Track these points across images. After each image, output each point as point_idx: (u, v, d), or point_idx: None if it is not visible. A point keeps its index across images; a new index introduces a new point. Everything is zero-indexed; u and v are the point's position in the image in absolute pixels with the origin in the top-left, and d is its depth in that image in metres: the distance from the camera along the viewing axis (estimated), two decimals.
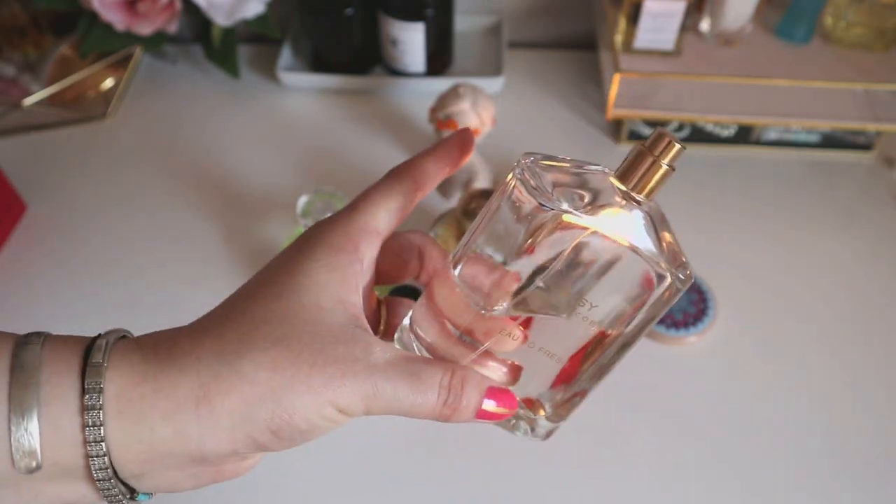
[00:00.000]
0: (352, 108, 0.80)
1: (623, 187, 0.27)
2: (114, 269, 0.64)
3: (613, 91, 0.68)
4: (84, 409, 0.23)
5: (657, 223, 0.28)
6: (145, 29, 0.73)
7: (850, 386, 0.56)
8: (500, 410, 0.27)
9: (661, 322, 0.58)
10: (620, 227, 0.27)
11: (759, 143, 0.75)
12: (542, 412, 0.30)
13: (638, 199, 0.28)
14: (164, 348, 0.25)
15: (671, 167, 0.27)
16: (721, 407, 0.55)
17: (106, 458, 0.23)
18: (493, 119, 0.65)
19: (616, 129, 0.76)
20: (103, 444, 0.23)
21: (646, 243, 0.27)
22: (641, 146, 0.27)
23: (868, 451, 0.52)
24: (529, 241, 0.27)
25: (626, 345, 0.29)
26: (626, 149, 0.75)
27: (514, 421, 0.30)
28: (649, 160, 0.27)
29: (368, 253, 0.28)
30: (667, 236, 0.29)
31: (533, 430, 0.30)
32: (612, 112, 0.70)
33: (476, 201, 0.53)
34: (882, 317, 0.61)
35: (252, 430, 0.24)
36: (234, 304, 0.27)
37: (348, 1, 0.75)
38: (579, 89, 0.82)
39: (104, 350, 0.24)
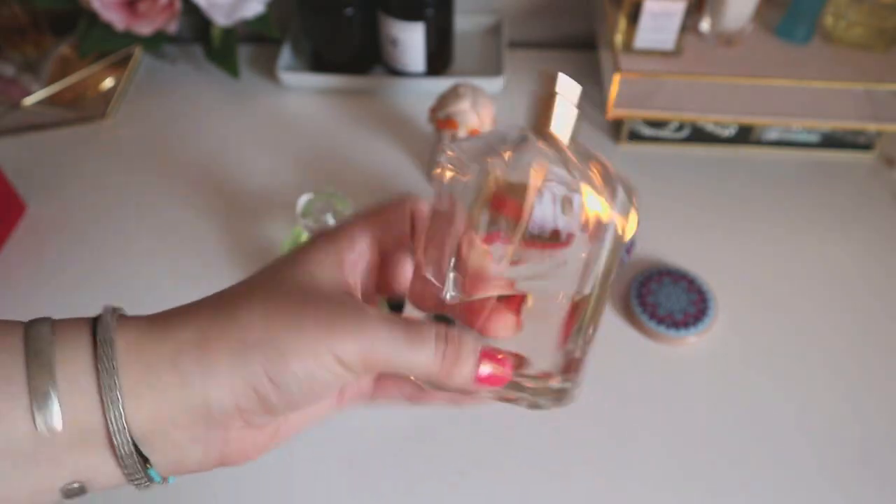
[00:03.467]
0: (352, 108, 0.80)
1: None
2: (114, 268, 0.64)
3: (613, 91, 0.68)
4: (97, 359, 0.24)
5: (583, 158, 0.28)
6: (145, 29, 0.73)
7: (850, 385, 0.56)
8: (498, 370, 0.27)
9: (662, 322, 0.58)
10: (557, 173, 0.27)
11: (759, 143, 0.75)
12: (554, 380, 0.29)
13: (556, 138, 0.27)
14: (164, 313, 0.26)
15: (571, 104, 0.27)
16: (721, 407, 0.55)
17: (120, 406, 0.24)
18: (493, 119, 0.65)
19: (616, 128, 0.76)
20: (118, 392, 0.24)
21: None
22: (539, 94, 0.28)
23: (868, 451, 0.52)
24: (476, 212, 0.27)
25: (601, 297, 0.29)
26: (626, 149, 0.75)
27: (534, 397, 0.29)
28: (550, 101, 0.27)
29: (361, 240, 0.29)
30: (596, 166, 0.28)
31: (557, 399, 0.29)
32: (612, 112, 0.70)
33: None
34: (882, 316, 0.61)
35: (249, 375, 0.24)
36: (239, 284, 0.28)
37: (348, 1, 0.75)
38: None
39: (111, 315, 0.26)
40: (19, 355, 0.24)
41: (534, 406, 0.29)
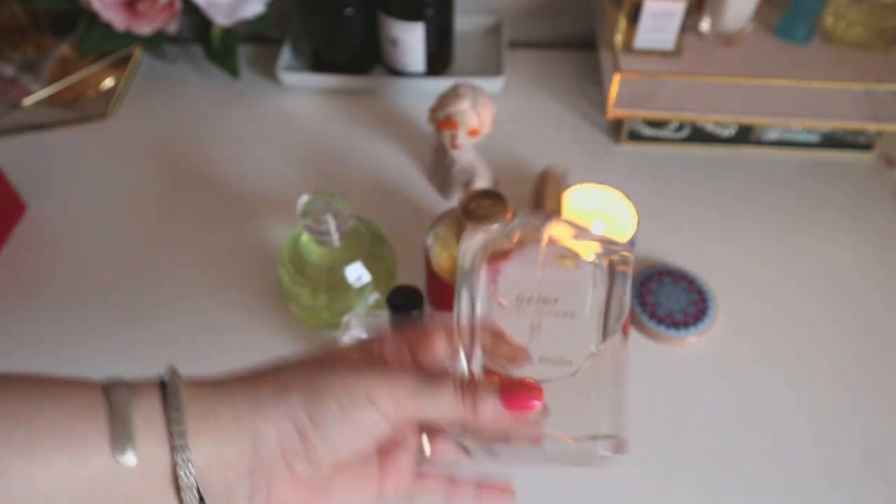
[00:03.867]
0: (352, 108, 0.80)
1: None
2: (114, 269, 0.64)
3: (613, 91, 0.68)
4: (166, 408, 0.27)
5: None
6: (145, 29, 0.73)
7: (851, 384, 0.56)
8: (523, 391, 0.29)
9: (662, 322, 0.58)
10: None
11: (759, 142, 0.75)
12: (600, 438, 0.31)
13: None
14: (214, 379, 0.30)
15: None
16: (721, 406, 0.55)
17: (186, 442, 0.27)
18: (493, 119, 0.65)
19: (616, 128, 0.76)
20: (184, 428, 0.27)
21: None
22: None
23: (868, 450, 0.52)
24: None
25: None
26: (626, 148, 0.75)
27: (584, 456, 0.31)
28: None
29: (388, 338, 0.33)
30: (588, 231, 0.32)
31: (601, 454, 0.31)
32: (612, 112, 0.70)
33: (476, 201, 0.53)
34: (882, 316, 0.61)
35: (289, 409, 0.28)
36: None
37: (348, 1, 0.75)
38: (579, 89, 0.82)
39: (174, 373, 0.29)
40: (101, 407, 0.27)
41: (580, 462, 0.31)
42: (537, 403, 0.28)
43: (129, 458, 0.26)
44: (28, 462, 0.26)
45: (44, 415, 0.27)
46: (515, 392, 0.28)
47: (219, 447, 0.28)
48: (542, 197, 0.32)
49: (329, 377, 0.28)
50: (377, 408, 0.28)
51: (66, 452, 0.26)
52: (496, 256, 0.31)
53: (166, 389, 0.28)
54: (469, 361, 0.31)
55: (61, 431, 0.26)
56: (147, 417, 0.27)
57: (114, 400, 0.27)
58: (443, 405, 0.28)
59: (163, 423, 0.27)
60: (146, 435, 0.27)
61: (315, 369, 0.29)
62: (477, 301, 0.31)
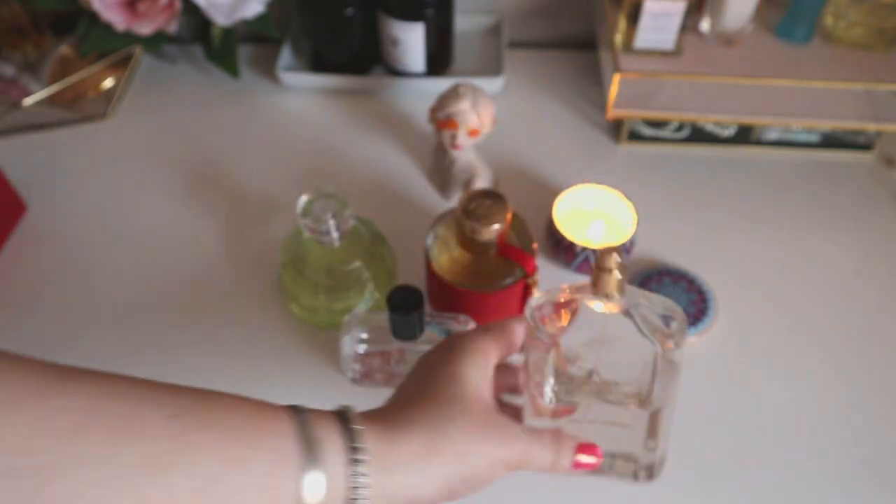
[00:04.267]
0: (352, 108, 0.80)
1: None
2: (113, 269, 0.64)
3: (613, 91, 0.68)
4: (348, 448, 0.32)
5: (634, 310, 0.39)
6: (145, 29, 0.73)
7: (851, 385, 0.56)
8: (590, 460, 0.39)
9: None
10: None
11: (759, 143, 0.75)
12: (636, 462, 0.42)
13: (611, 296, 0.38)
14: (389, 422, 0.34)
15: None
16: (720, 406, 0.55)
17: (363, 481, 0.31)
18: (493, 119, 0.65)
19: (616, 128, 0.77)
20: (363, 469, 0.32)
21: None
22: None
23: (868, 450, 0.52)
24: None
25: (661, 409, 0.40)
26: (626, 148, 0.75)
27: (620, 472, 0.42)
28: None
29: (495, 355, 0.39)
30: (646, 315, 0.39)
31: (636, 475, 0.42)
32: (612, 112, 0.70)
33: (476, 201, 0.53)
34: (882, 316, 0.61)
35: (449, 477, 0.34)
36: (419, 385, 0.37)
37: (348, 1, 0.75)
38: (579, 89, 0.82)
39: (352, 413, 0.34)
40: (292, 440, 0.31)
41: (629, 478, 0.42)
42: (597, 461, 0.39)
43: (316, 477, 0.30)
44: (222, 461, 0.28)
45: (238, 425, 0.30)
46: (585, 450, 0.39)
47: (386, 485, 0.32)
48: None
49: (482, 451, 0.35)
50: (506, 471, 0.36)
51: (258, 458, 0.29)
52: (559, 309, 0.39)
53: (346, 422, 0.33)
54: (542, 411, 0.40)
55: (254, 439, 0.30)
56: (332, 444, 0.31)
57: (301, 423, 0.31)
58: (541, 466, 0.38)
59: (343, 452, 0.31)
60: (332, 461, 0.31)
61: (472, 439, 0.34)
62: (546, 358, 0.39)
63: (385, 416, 0.34)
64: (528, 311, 0.39)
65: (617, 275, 0.39)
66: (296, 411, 0.32)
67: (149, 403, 0.28)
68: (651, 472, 0.43)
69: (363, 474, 0.31)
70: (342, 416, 0.33)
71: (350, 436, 0.32)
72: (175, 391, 0.29)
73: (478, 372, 0.37)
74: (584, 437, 0.39)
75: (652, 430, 0.41)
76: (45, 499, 0.24)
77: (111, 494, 0.25)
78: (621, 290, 0.40)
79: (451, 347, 0.38)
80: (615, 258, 0.38)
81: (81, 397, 0.27)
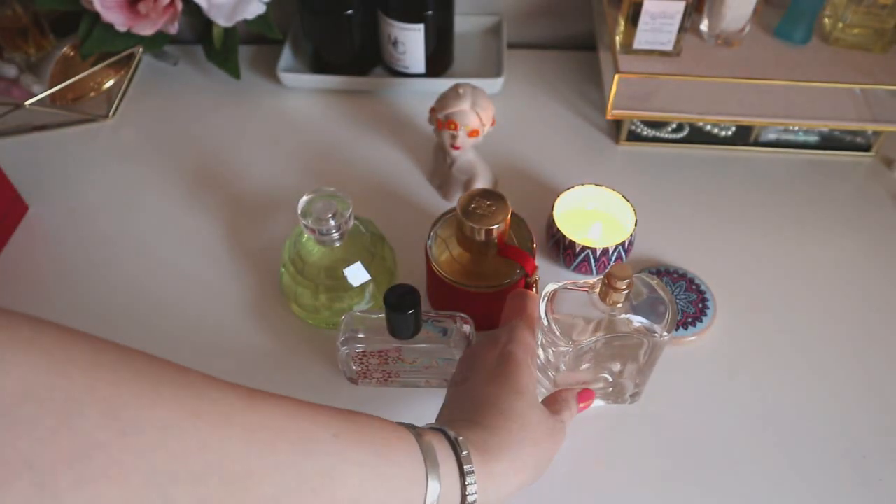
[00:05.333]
0: (352, 109, 0.80)
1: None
2: (115, 269, 0.65)
3: (613, 91, 0.69)
4: (463, 475, 0.37)
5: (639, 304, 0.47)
6: (146, 30, 0.73)
7: (851, 385, 0.56)
8: (589, 403, 0.50)
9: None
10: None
11: (757, 143, 0.75)
12: (627, 392, 0.54)
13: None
14: (480, 445, 0.39)
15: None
16: (720, 406, 0.55)
17: (474, 489, 0.37)
18: (493, 119, 0.65)
19: (615, 129, 0.77)
20: (474, 478, 0.37)
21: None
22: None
23: (868, 449, 0.53)
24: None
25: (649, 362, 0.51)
26: (625, 149, 0.75)
27: (612, 400, 0.55)
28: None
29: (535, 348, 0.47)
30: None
31: (623, 398, 0.55)
32: (612, 112, 0.71)
33: (476, 201, 0.53)
34: (881, 316, 0.61)
35: (530, 480, 0.41)
36: (488, 398, 0.42)
37: (349, 2, 0.75)
38: (579, 89, 0.82)
39: (452, 434, 0.39)
40: (417, 454, 0.36)
41: (616, 402, 0.55)
42: (592, 402, 0.50)
43: (435, 487, 0.35)
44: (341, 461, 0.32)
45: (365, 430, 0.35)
46: (584, 399, 0.50)
47: (486, 492, 0.38)
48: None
49: (547, 454, 0.43)
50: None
51: (398, 475, 0.35)
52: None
53: (450, 437, 0.38)
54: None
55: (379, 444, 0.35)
56: (446, 458, 0.37)
57: (419, 439, 0.36)
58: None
59: (456, 466, 0.37)
60: (448, 473, 0.36)
61: (537, 456, 0.41)
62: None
63: (476, 442, 0.39)
64: (542, 313, 0.47)
65: (624, 293, 0.44)
66: (411, 429, 0.38)
67: (317, 424, 0.33)
68: (636, 397, 0.54)
69: (472, 483, 0.37)
70: (445, 433, 0.38)
71: (457, 450, 0.37)
72: (333, 413, 0.34)
73: (533, 380, 0.44)
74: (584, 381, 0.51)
75: (640, 375, 0.51)
76: (252, 500, 0.29)
77: (298, 498, 0.30)
78: (626, 306, 0.46)
79: (510, 358, 0.44)
80: (625, 279, 0.43)
81: (269, 416, 0.31)
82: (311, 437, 0.32)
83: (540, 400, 0.45)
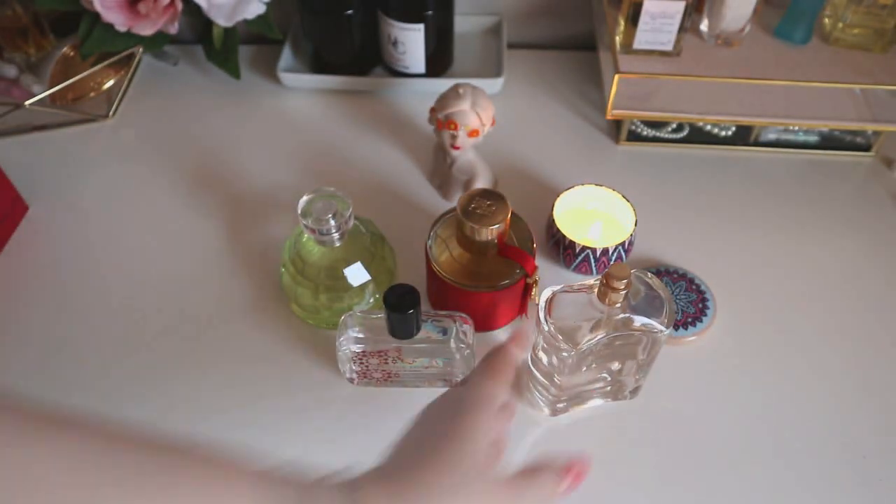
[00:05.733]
0: (352, 109, 0.80)
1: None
2: (115, 269, 0.65)
3: (613, 91, 0.69)
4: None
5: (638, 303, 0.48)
6: (146, 30, 0.73)
7: (850, 385, 0.56)
8: (579, 481, 0.39)
9: None
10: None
11: (757, 143, 0.75)
12: (627, 389, 0.54)
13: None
14: (400, 489, 0.34)
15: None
16: (720, 406, 0.55)
17: None
18: (493, 119, 0.65)
19: (615, 129, 0.77)
20: None
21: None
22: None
23: (868, 449, 0.53)
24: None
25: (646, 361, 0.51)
26: (625, 149, 0.75)
27: (612, 395, 0.55)
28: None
29: (500, 399, 0.40)
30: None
31: (623, 394, 0.55)
32: (612, 112, 0.71)
33: (476, 201, 0.53)
34: (881, 316, 0.61)
35: None
36: (425, 444, 0.37)
37: (349, 2, 0.75)
38: (579, 90, 0.82)
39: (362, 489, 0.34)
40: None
41: (617, 398, 0.55)
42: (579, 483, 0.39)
43: None
44: None
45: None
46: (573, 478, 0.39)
47: None
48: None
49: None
50: None
51: None
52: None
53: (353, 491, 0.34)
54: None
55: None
56: None
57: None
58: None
59: None
60: None
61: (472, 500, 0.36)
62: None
63: (395, 480, 0.35)
64: (542, 318, 0.47)
65: (623, 292, 0.44)
66: (300, 488, 0.34)
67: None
68: (636, 393, 0.54)
69: None
70: (353, 487, 0.34)
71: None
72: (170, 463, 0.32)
73: (481, 428, 0.38)
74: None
75: (640, 371, 0.52)
76: None
77: None
78: (624, 306, 0.46)
79: (459, 401, 0.39)
80: (623, 279, 0.43)
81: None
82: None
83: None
